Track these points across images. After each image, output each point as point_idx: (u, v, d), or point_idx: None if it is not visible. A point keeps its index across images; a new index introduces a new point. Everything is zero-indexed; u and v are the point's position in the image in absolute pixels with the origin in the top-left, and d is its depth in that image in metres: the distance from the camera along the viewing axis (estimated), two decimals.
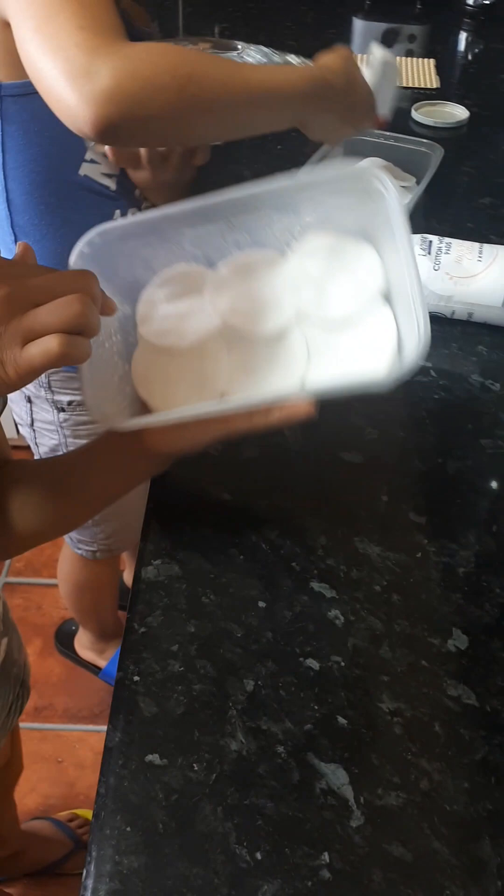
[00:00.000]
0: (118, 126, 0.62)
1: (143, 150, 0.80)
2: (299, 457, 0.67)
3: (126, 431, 0.51)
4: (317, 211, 0.56)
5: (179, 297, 0.58)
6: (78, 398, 1.05)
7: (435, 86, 1.38)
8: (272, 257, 0.58)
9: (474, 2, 1.77)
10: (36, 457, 1.15)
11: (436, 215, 0.99)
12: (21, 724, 1.60)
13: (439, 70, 1.46)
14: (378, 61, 0.82)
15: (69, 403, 1.05)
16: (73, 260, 0.54)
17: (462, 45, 1.74)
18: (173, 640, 0.53)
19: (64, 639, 1.71)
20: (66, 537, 1.29)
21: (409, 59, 1.51)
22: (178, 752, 0.47)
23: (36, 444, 1.14)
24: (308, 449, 0.67)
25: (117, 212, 0.94)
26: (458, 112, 1.26)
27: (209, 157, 0.83)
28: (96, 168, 0.90)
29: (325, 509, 0.62)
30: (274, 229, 0.57)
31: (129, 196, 0.94)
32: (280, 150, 1.02)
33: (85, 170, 0.90)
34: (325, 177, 0.55)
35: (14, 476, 0.58)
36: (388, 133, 0.98)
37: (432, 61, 1.48)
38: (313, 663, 0.52)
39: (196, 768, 0.47)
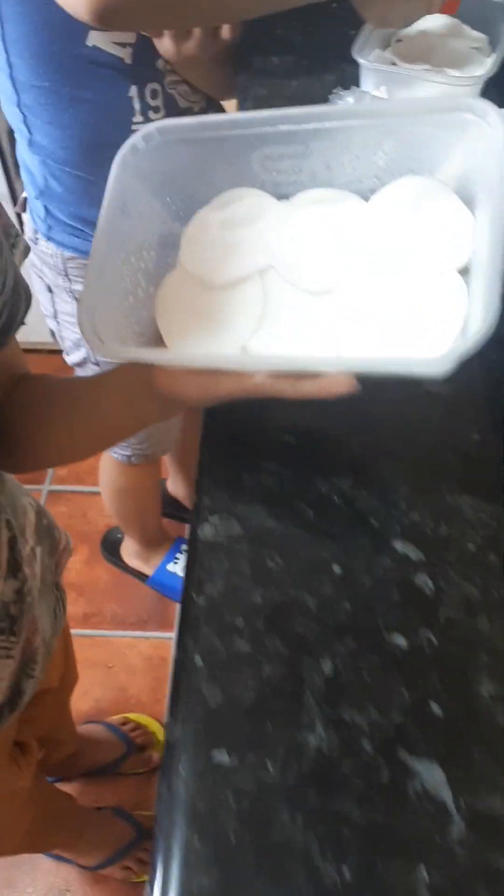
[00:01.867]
0: (113, 7, 0.56)
1: None
2: (374, 388, 0.57)
3: (130, 363, 0.43)
4: (407, 147, 0.46)
5: (235, 225, 0.49)
6: None
7: None
8: (348, 201, 0.48)
9: None
10: (63, 350, 1.11)
11: None
12: (72, 631, 1.62)
13: None
14: None
15: None
16: (124, 154, 0.46)
17: None
18: (237, 612, 0.46)
19: (110, 546, 1.70)
20: None
21: None
22: (248, 748, 0.41)
23: (61, 336, 1.08)
24: (384, 379, 0.57)
25: (133, 88, 0.81)
26: None
27: (238, 32, 0.69)
28: (106, 37, 0.77)
29: (406, 452, 0.53)
30: (357, 165, 0.47)
31: (147, 68, 0.81)
32: (335, 8, 0.86)
33: (93, 39, 0.76)
34: (421, 107, 0.45)
35: (30, 393, 0.55)
36: None
37: None
38: (400, 640, 0.45)
39: (270, 767, 0.41)
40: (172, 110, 0.86)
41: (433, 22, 0.89)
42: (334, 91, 0.70)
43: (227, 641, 0.45)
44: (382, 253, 0.47)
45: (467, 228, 0.46)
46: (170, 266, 0.51)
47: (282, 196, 0.51)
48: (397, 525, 0.50)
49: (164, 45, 0.75)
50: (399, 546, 0.49)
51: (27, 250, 0.55)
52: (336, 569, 0.48)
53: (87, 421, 0.55)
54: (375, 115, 0.46)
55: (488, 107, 0.42)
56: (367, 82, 0.78)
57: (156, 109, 0.84)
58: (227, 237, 0.50)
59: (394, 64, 0.83)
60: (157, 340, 0.48)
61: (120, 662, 1.60)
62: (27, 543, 0.71)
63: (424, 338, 0.43)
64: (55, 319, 1.07)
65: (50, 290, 1.03)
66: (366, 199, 0.49)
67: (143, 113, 0.84)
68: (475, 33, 0.87)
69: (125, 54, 0.78)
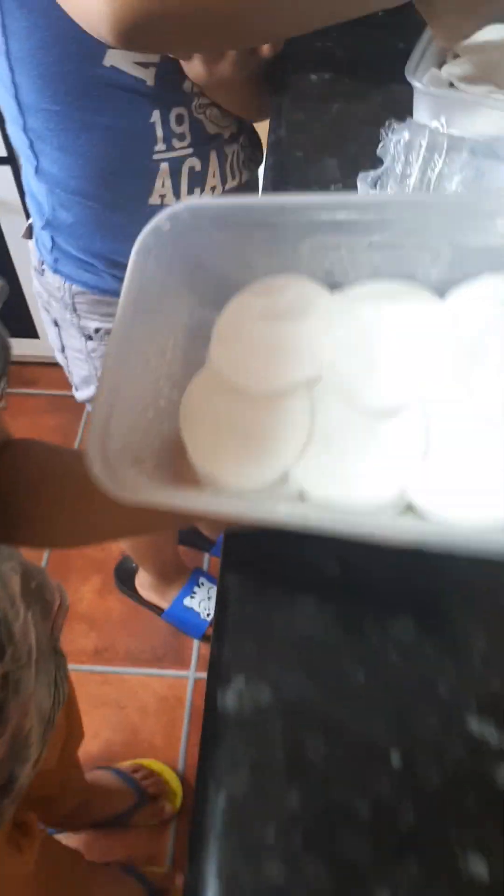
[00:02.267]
0: (142, 24, 0.50)
1: None
2: None
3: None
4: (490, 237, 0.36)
5: (278, 319, 0.39)
6: (107, 325, 0.89)
7: None
8: (419, 297, 0.39)
9: None
10: (71, 385, 1.04)
11: None
12: (82, 667, 1.54)
13: None
14: None
15: (96, 331, 0.91)
16: (145, 237, 0.38)
17: None
18: (267, 820, 0.36)
19: (124, 576, 1.63)
20: None
21: None
22: None
23: (69, 371, 1.01)
24: None
25: (156, 112, 0.71)
26: None
27: (280, 47, 0.60)
28: (127, 56, 0.66)
29: (486, 592, 0.43)
30: (436, 263, 0.37)
31: (173, 91, 0.71)
32: (381, 16, 0.75)
33: (111, 59, 0.67)
34: None
35: (14, 463, 0.48)
36: None
37: None
38: (480, 866, 0.35)
39: None
40: (199, 136, 0.76)
41: (495, 33, 0.78)
42: (387, 124, 0.60)
43: (254, 865, 0.35)
44: (464, 367, 0.36)
45: None
46: (198, 364, 0.41)
47: (335, 286, 0.41)
48: (473, 694, 0.39)
49: (194, 68, 0.65)
50: (475, 725, 0.38)
51: (4, 291, 0.47)
52: (395, 758, 0.38)
53: (85, 506, 0.47)
54: (456, 206, 0.36)
55: None
56: (422, 109, 0.67)
57: (181, 137, 0.74)
58: (268, 333, 0.40)
59: (452, 86, 0.72)
60: (182, 455, 0.39)
61: (133, 702, 1.52)
62: (18, 615, 0.63)
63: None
64: (63, 354, 0.99)
65: (56, 325, 0.95)
66: (440, 294, 0.39)
67: (167, 140, 0.74)
68: None
69: (148, 75, 0.68)
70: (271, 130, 0.73)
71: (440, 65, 0.75)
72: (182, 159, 0.77)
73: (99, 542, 0.55)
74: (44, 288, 0.92)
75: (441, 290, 0.39)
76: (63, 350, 0.98)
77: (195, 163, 0.78)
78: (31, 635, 0.66)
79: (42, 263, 0.90)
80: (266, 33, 0.61)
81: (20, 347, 1.36)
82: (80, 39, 0.58)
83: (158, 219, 0.38)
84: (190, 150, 0.77)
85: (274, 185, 0.67)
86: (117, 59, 0.67)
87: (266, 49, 0.66)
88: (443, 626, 0.42)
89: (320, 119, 0.73)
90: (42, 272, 0.90)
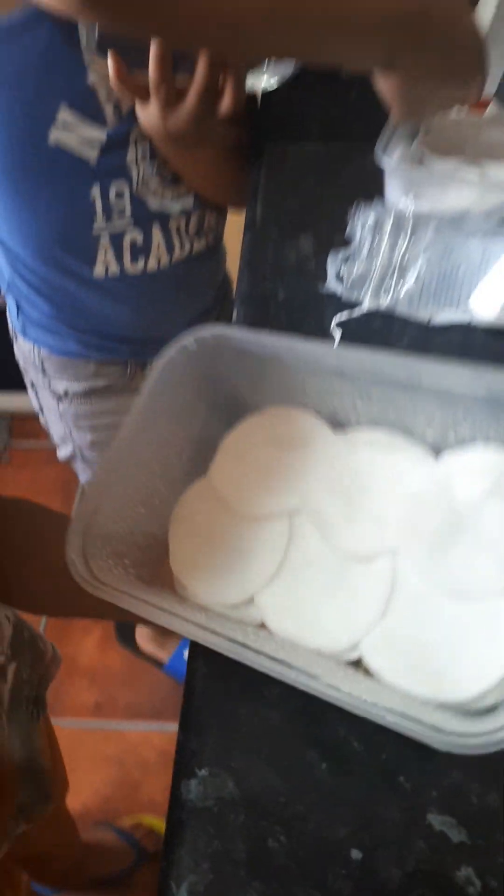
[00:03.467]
0: None
1: (152, 69, 0.60)
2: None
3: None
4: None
5: (281, 446, 0.42)
6: (75, 387, 0.92)
7: None
8: (414, 452, 0.41)
9: None
10: (54, 444, 1.06)
11: None
12: (83, 722, 1.53)
13: None
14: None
15: (65, 393, 0.93)
16: (171, 354, 0.41)
17: None
18: None
19: (125, 630, 1.62)
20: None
21: None
22: None
23: (49, 431, 1.04)
24: None
25: (95, 190, 0.74)
26: None
27: (242, 106, 0.61)
28: (71, 135, 0.69)
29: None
30: (433, 421, 0.40)
31: (114, 169, 0.73)
32: (363, 88, 0.77)
33: (56, 136, 0.68)
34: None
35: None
36: None
37: None
38: None
39: None
40: (140, 212, 0.78)
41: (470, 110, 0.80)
42: (354, 205, 0.62)
43: None
44: (445, 536, 0.37)
45: None
46: (199, 473, 0.44)
47: (338, 425, 0.43)
48: (433, 788, 0.39)
49: (150, 114, 0.65)
50: (436, 820, 0.39)
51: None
52: (355, 854, 0.38)
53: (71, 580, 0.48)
54: (447, 372, 0.37)
55: None
56: (392, 185, 0.69)
57: (121, 212, 0.76)
58: (267, 458, 0.43)
59: (422, 161, 0.74)
60: (163, 556, 0.41)
61: (133, 758, 1.51)
62: None
63: (466, 665, 0.34)
64: (42, 415, 1.02)
65: (33, 386, 0.98)
66: (435, 451, 0.41)
67: (106, 215, 0.76)
68: None
69: (90, 154, 0.71)
70: (248, 207, 0.75)
71: (412, 140, 0.77)
72: (122, 233, 0.78)
73: (84, 617, 0.55)
74: (20, 352, 0.94)
75: (436, 447, 0.41)
76: (42, 411, 1.01)
77: (137, 236, 0.79)
78: (7, 683, 0.66)
79: (14, 328, 0.93)
80: (240, 48, 0.56)
81: (22, 402, 1.38)
82: (25, 116, 0.60)
83: (186, 339, 0.41)
84: (131, 224, 0.78)
85: (250, 264, 0.69)
86: (61, 137, 0.69)
87: (227, 102, 0.65)
88: None
89: (296, 194, 0.75)
90: (16, 336, 0.93)
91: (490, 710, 0.33)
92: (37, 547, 0.52)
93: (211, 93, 0.61)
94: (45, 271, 0.81)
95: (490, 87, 0.66)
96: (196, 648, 0.45)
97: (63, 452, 1.02)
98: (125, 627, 1.62)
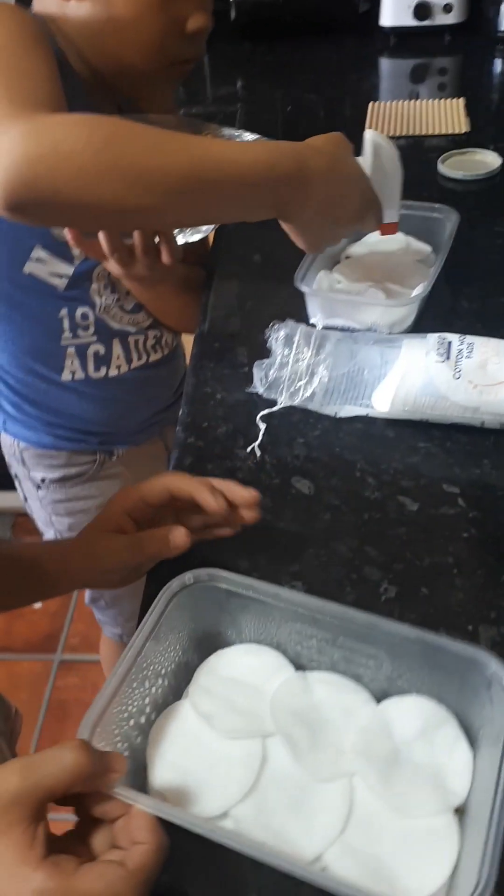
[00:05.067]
0: (26, 198, 0.55)
1: (103, 241, 0.71)
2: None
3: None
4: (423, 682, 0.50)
5: (249, 678, 0.53)
6: (51, 475, 1.02)
7: (464, 130, 1.27)
8: (360, 696, 0.51)
9: None
10: (40, 530, 1.16)
11: (462, 291, 0.87)
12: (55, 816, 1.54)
13: (470, 110, 1.34)
14: (369, 143, 0.71)
15: (42, 481, 1.03)
16: (175, 582, 0.51)
17: (496, 78, 1.61)
18: None
19: None
20: (97, 619, 1.27)
21: (435, 101, 1.40)
22: None
23: (34, 517, 1.13)
24: None
25: (64, 310, 0.88)
26: (490, 160, 1.15)
27: (179, 257, 0.74)
28: (44, 267, 0.84)
29: None
30: (380, 672, 0.51)
31: (81, 296, 0.88)
32: None
33: (31, 268, 0.83)
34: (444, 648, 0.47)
35: None
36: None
37: (461, 101, 1.37)
38: None
39: None
40: (102, 330, 0.92)
41: (375, 237, 0.95)
42: (270, 325, 0.75)
43: None
44: (390, 761, 0.48)
45: (467, 763, 0.47)
46: (178, 695, 0.53)
47: (299, 667, 0.53)
48: None
49: (111, 267, 0.77)
50: None
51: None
52: None
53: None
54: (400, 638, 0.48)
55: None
56: (312, 306, 0.83)
57: (85, 328, 0.91)
58: (238, 690, 0.52)
59: (339, 283, 0.88)
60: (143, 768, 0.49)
61: None
62: None
63: (414, 872, 0.43)
64: (26, 503, 1.12)
65: (17, 477, 1.09)
66: (377, 698, 0.51)
67: (73, 330, 0.90)
68: (420, 245, 0.93)
69: (60, 283, 0.85)
70: (199, 324, 0.89)
71: (333, 265, 0.92)
72: (87, 345, 0.92)
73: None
74: (3, 446, 1.06)
75: (378, 695, 0.51)
76: (26, 500, 1.11)
77: (99, 348, 0.93)
78: None
79: None
80: (155, 226, 0.71)
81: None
82: (5, 253, 0.73)
83: (187, 575, 0.51)
84: (94, 339, 0.92)
85: (195, 370, 0.82)
86: (34, 269, 0.84)
87: (166, 256, 0.75)
88: None
89: (236, 314, 0.90)
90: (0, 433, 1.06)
91: None
92: None
93: (152, 251, 0.73)
94: (21, 375, 0.94)
95: (393, 216, 0.78)
96: None
97: (47, 536, 1.13)
98: None
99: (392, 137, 1.25)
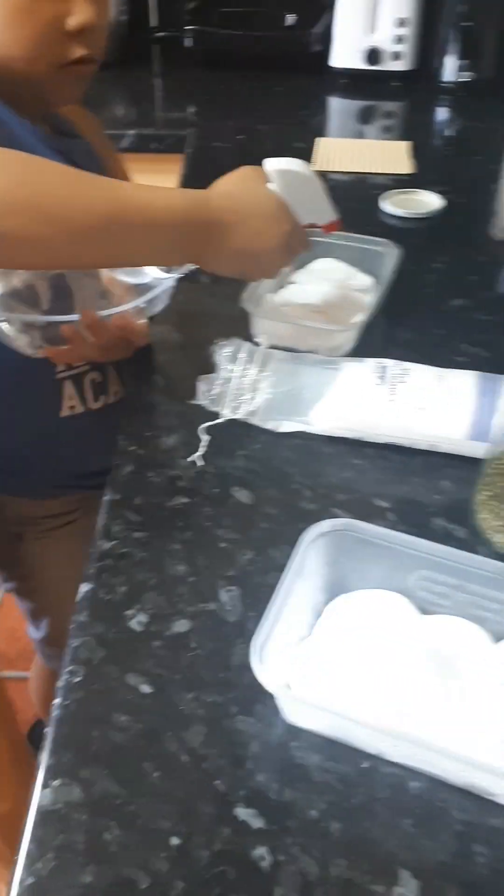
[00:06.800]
0: None
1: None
2: (236, 630, 0.59)
3: None
4: None
5: (367, 634, 0.56)
6: None
7: (409, 171, 1.34)
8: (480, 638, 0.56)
9: (454, 78, 1.74)
10: None
11: (400, 321, 0.92)
12: None
13: (416, 152, 1.42)
14: (274, 172, 0.73)
15: None
16: (315, 529, 0.57)
17: (439, 125, 1.70)
18: (63, 894, 0.44)
19: (36, 739, 1.63)
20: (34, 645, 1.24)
21: (381, 142, 1.47)
22: None
23: None
24: (245, 619, 0.59)
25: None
26: (432, 200, 1.21)
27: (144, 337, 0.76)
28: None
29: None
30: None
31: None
32: None
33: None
34: None
35: None
36: (343, 233, 0.90)
37: (406, 144, 1.44)
38: None
39: None
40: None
41: (326, 264, 0.99)
42: (215, 342, 0.77)
43: None
44: None
45: None
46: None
47: (424, 611, 0.57)
48: (242, 788, 0.49)
49: (62, 353, 0.80)
50: (242, 812, 0.48)
51: None
52: (174, 840, 0.47)
53: None
54: None
55: None
56: (258, 327, 0.86)
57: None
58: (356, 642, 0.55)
59: (284, 306, 0.91)
60: None
61: None
62: None
63: None
64: None
65: None
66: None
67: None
68: (363, 276, 0.97)
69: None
70: (155, 354, 0.90)
71: (278, 289, 0.95)
72: (82, 375, 0.91)
73: None
74: None
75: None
76: None
77: (95, 375, 0.92)
78: None
79: None
80: (67, 267, 0.72)
81: None
82: None
83: (324, 523, 0.56)
84: (88, 367, 0.91)
85: (141, 379, 0.84)
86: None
87: (89, 335, 0.77)
88: (229, 735, 0.52)
89: (185, 328, 0.92)
90: None
91: None
92: None
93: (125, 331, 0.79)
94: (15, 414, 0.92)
95: (330, 216, 0.80)
96: (64, 674, 0.55)
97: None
98: (37, 737, 1.63)
99: (338, 173, 1.33)
